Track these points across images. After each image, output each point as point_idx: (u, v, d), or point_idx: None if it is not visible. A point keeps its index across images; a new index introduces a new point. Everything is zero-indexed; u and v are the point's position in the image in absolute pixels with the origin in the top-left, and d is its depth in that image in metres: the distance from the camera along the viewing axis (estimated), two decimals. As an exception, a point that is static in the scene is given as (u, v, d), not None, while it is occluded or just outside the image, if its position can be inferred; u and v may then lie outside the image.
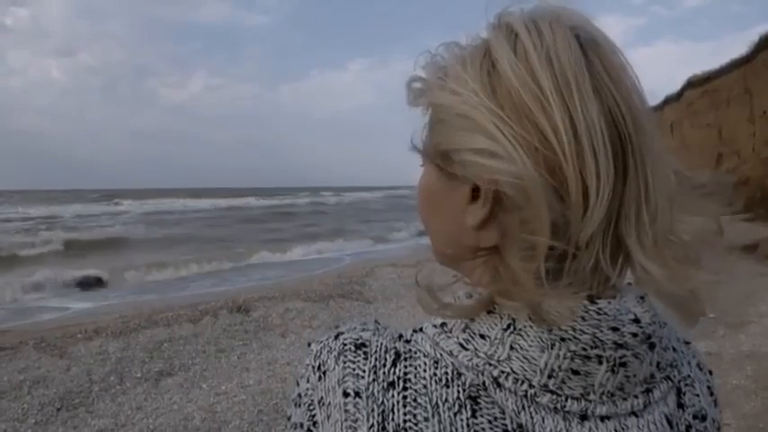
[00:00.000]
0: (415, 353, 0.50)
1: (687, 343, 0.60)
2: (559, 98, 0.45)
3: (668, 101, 26.78)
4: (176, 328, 6.34)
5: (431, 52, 0.54)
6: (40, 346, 5.65)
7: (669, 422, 0.52)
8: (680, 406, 0.54)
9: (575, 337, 0.46)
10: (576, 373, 0.47)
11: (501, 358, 0.48)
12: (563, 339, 0.46)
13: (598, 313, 0.47)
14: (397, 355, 0.50)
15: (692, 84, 25.25)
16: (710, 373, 0.60)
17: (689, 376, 0.56)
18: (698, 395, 0.56)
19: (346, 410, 0.48)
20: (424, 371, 0.49)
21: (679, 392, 0.54)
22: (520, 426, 0.47)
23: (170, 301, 8.24)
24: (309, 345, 0.55)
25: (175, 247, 17.00)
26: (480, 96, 0.47)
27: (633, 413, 0.50)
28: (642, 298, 0.50)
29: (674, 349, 0.57)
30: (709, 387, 0.58)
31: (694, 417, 0.54)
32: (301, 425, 0.52)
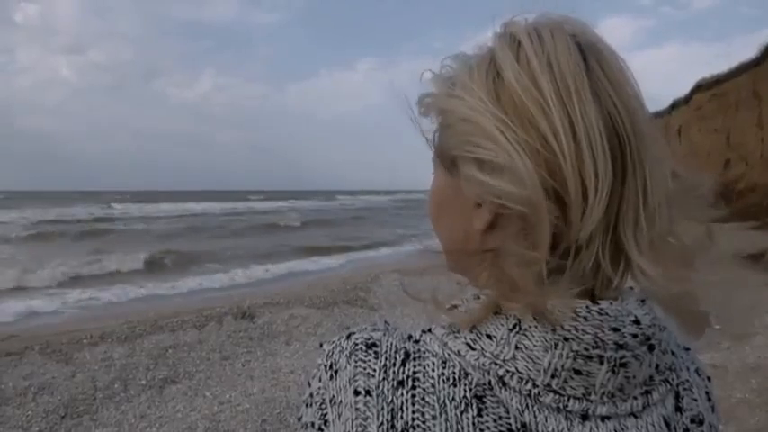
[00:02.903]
0: (424, 353, 0.51)
1: (687, 349, 0.61)
2: (559, 102, 0.47)
3: (676, 105, 26.61)
4: (181, 333, 6.36)
5: (440, 64, 0.56)
6: (45, 352, 5.67)
7: (667, 424, 0.52)
8: (678, 409, 0.54)
9: (577, 337, 0.47)
10: (578, 372, 0.48)
11: (506, 358, 0.49)
12: (566, 339, 0.47)
13: (600, 313, 0.48)
14: (407, 354, 0.51)
15: (701, 87, 25.07)
16: (709, 379, 0.61)
17: (687, 380, 0.57)
18: (696, 399, 0.56)
19: (357, 408, 0.49)
20: (433, 370, 0.50)
21: (677, 396, 0.55)
22: (523, 425, 0.48)
23: (176, 306, 8.26)
24: (321, 345, 0.56)
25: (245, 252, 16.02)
26: (486, 102, 0.49)
27: (632, 414, 0.50)
28: (643, 301, 0.51)
29: (674, 353, 0.57)
30: (707, 392, 0.59)
31: (692, 420, 0.55)
32: (312, 424, 0.52)
